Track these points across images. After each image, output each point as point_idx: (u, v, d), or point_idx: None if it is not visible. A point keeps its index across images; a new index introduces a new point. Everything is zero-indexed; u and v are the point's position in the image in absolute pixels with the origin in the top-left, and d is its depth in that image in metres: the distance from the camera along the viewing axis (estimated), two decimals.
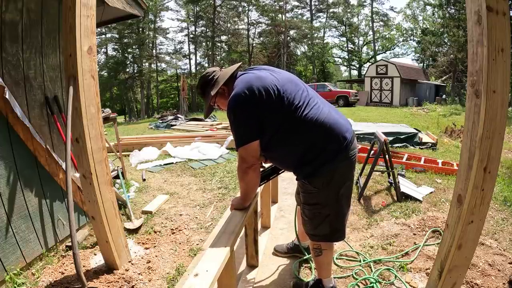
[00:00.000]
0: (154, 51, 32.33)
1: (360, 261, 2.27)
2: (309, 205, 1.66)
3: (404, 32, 34.57)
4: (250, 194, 1.68)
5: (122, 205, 3.25)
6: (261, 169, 1.93)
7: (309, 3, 34.86)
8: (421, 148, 6.20)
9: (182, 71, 34.64)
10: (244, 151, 1.51)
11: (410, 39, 34.27)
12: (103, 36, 30.46)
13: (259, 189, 2.23)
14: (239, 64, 1.82)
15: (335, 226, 1.67)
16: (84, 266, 2.24)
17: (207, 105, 1.72)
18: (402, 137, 6.43)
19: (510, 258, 2.24)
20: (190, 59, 35.42)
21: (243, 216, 1.63)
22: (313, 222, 1.67)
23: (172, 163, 5.38)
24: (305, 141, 1.53)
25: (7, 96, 2.08)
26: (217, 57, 34.82)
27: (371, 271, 2.15)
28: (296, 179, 1.70)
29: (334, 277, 1.98)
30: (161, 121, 12.56)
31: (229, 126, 1.57)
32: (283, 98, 1.49)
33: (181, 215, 3.26)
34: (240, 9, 34.16)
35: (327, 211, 1.62)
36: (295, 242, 2.33)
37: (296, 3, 34.93)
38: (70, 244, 2.50)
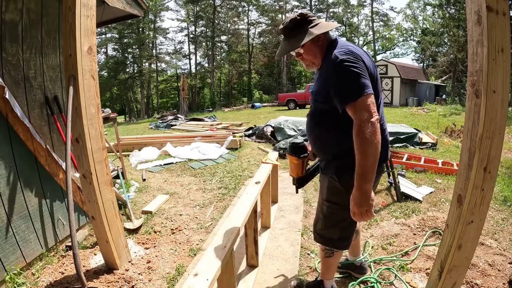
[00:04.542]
0: (154, 51, 32.33)
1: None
2: (330, 203, 1.59)
3: (404, 32, 34.63)
4: (376, 161, 1.31)
5: (122, 205, 3.25)
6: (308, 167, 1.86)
7: (309, 3, 34.86)
8: (421, 148, 6.19)
9: (182, 71, 34.72)
10: (366, 100, 1.30)
11: (410, 39, 34.34)
12: (103, 36, 30.46)
13: (259, 188, 2.23)
14: (338, 25, 1.75)
15: (345, 233, 1.62)
16: (84, 266, 2.24)
17: (293, 44, 1.49)
18: (402, 137, 6.43)
19: (510, 258, 2.24)
20: (190, 59, 35.45)
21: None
22: (327, 222, 1.62)
23: (172, 163, 5.38)
24: None
25: (7, 96, 2.08)
26: (217, 57, 34.83)
27: (371, 271, 2.15)
28: (323, 172, 1.61)
29: (335, 277, 1.98)
30: (161, 121, 12.58)
31: (336, 80, 1.37)
32: (373, 84, 1.40)
33: (181, 215, 3.26)
34: (240, 9, 34.17)
35: (344, 215, 1.50)
36: (348, 257, 2.15)
37: (296, 3, 34.98)
38: (70, 244, 2.50)
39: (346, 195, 1.45)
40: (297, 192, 1.96)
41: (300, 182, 1.88)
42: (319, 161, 1.71)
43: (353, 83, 1.32)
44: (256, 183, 2.31)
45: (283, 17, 34.09)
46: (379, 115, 1.39)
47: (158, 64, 32.81)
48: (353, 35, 36.05)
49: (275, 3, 34.05)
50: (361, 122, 1.29)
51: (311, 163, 1.93)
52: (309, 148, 1.86)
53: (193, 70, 35.14)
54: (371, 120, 1.28)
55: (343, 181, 1.50)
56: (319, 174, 1.76)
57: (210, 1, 32.03)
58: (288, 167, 1.93)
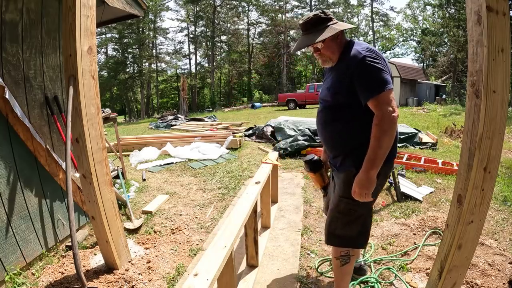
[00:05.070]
0: (154, 51, 32.32)
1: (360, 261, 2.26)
2: (347, 198, 1.55)
3: (404, 32, 34.63)
4: (386, 152, 1.44)
5: (122, 205, 3.25)
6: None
7: (309, 3, 34.85)
8: (421, 148, 6.19)
9: (182, 71, 34.73)
10: (388, 95, 1.39)
11: (410, 39, 34.33)
12: (103, 36, 30.46)
13: (259, 188, 2.23)
14: (353, 26, 1.82)
15: (365, 228, 1.61)
16: (84, 266, 2.24)
17: (312, 38, 1.53)
18: (402, 137, 6.43)
19: (510, 258, 2.24)
20: (190, 59, 35.45)
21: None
22: (345, 219, 1.60)
23: (172, 163, 5.38)
24: None
25: (7, 96, 2.08)
26: (217, 57, 34.83)
27: (371, 271, 2.15)
28: (338, 169, 1.61)
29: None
30: (161, 121, 12.58)
31: (360, 74, 1.43)
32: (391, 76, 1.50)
33: (181, 215, 3.26)
34: (240, 9, 34.18)
35: (362, 210, 1.56)
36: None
37: (296, 3, 34.98)
38: (70, 244, 2.50)
39: None
40: (325, 194, 1.98)
41: (326, 189, 1.95)
42: (333, 159, 1.70)
43: (377, 77, 1.40)
44: (256, 183, 2.31)
45: (283, 17, 34.11)
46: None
47: (158, 64, 32.82)
48: (353, 35, 36.01)
49: (275, 3, 34.06)
50: (384, 114, 1.38)
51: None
52: (322, 156, 1.93)
53: (193, 70, 35.16)
54: (393, 114, 1.38)
55: None
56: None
57: (210, 1, 32.03)
58: (311, 179, 2.02)
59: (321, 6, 34.98)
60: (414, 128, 7.13)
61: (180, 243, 2.68)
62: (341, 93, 1.52)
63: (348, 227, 1.59)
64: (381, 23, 35.39)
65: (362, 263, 2.12)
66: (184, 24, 33.92)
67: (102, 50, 31.36)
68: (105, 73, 30.33)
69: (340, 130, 1.58)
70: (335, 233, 1.63)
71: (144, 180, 4.44)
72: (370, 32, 35.73)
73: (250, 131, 8.02)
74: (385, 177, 1.62)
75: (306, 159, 1.90)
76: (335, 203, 1.65)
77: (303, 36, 1.60)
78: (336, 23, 1.55)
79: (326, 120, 1.64)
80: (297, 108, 19.36)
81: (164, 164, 5.31)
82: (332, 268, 1.82)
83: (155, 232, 2.89)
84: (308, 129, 6.11)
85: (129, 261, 2.33)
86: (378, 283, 2.00)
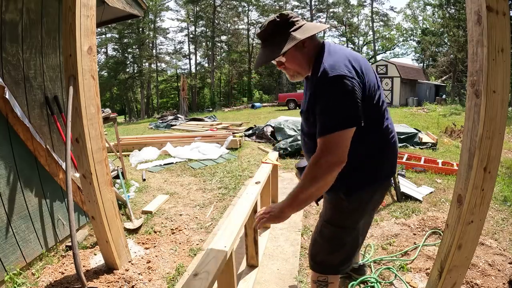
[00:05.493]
0: (154, 51, 32.33)
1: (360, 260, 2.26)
2: (333, 226, 1.39)
3: (404, 32, 34.64)
4: (309, 201, 1.26)
5: (122, 205, 3.25)
6: None
7: (309, 3, 34.87)
8: (421, 148, 6.20)
9: (182, 71, 34.73)
10: (338, 139, 1.13)
11: (410, 39, 34.34)
12: (103, 36, 30.47)
13: (259, 188, 2.23)
14: (328, 26, 1.54)
15: (347, 256, 1.43)
16: (84, 266, 2.24)
17: (273, 52, 1.25)
18: (402, 137, 6.43)
19: (510, 258, 2.24)
20: (190, 59, 35.45)
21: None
22: (329, 246, 1.41)
23: (172, 163, 5.38)
24: (374, 145, 1.31)
25: (7, 96, 2.08)
26: (217, 57, 34.82)
27: (371, 271, 2.15)
28: (329, 192, 1.30)
29: None
30: (161, 121, 12.58)
31: (315, 102, 1.18)
32: (375, 91, 1.27)
33: (181, 215, 3.26)
34: (240, 9, 34.18)
35: (348, 237, 1.39)
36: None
37: (296, 3, 34.99)
38: (70, 244, 2.50)
39: (352, 215, 1.35)
40: (317, 204, 1.89)
41: (319, 199, 1.83)
42: None
43: (333, 114, 1.14)
44: (256, 183, 2.31)
45: None
46: (386, 122, 1.34)
47: (158, 64, 32.83)
48: (353, 35, 36.05)
49: (275, 3, 34.07)
50: (319, 160, 1.15)
51: None
52: None
53: (193, 70, 35.16)
54: (334, 161, 1.13)
55: (351, 200, 1.33)
56: None
57: (210, 1, 32.04)
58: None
59: (320, 6, 35.01)
60: (414, 128, 7.13)
61: (180, 243, 2.68)
62: (313, 121, 1.25)
63: (331, 255, 1.42)
64: (381, 23, 35.40)
65: (361, 263, 2.11)
66: (184, 24, 33.95)
67: (102, 50, 31.38)
68: (105, 73, 30.34)
69: None
70: (315, 259, 1.47)
71: (144, 180, 4.44)
72: (370, 32, 35.76)
73: (250, 131, 8.03)
74: (381, 197, 1.43)
75: (298, 165, 1.79)
76: (318, 227, 1.47)
77: (262, 48, 1.32)
78: (301, 27, 1.26)
79: (309, 146, 1.38)
80: (297, 108, 19.35)
81: (164, 164, 5.31)
82: None
83: (155, 232, 2.89)
84: None
85: (129, 261, 2.33)
86: (378, 283, 2.00)
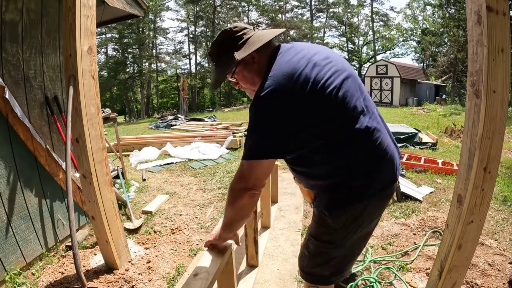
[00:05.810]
0: (154, 51, 32.31)
1: (360, 261, 2.27)
2: (318, 241, 1.26)
3: (404, 32, 34.63)
4: (237, 225, 1.23)
5: (122, 205, 3.25)
6: None
7: (309, 3, 34.87)
8: (421, 148, 6.20)
9: (182, 71, 34.69)
10: (249, 167, 1.08)
11: (410, 39, 34.33)
12: (103, 36, 30.45)
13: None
14: (283, 29, 1.31)
15: (339, 269, 1.31)
16: (84, 266, 2.24)
17: (221, 73, 1.19)
18: (402, 137, 6.43)
19: (510, 258, 2.24)
20: (190, 59, 35.41)
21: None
22: (315, 260, 1.30)
23: (172, 163, 5.39)
24: (355, 157, 1.12)
25: (7, 96, 2.08)
26: None
27: (371, 271, 2.15)
28: (315, 201, 1.28)
29: None
30: (161, 121, 12.58)
31: (248, 124, 1.09)
32: (340, 101, 1.06)
33: (181, 215, 3.26)
34: (240, 9, 34.19)
35: (336, 252, 1.25)
36: None
37: (296, 3, 34.98)
38: (70, 244, 2.50)
39: (340, 231, 1.20)
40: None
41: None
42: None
43: (252, 138, 1.07)
44: None
45: (283, 17, 34.12)
46: (367, 127, 1.10)
47: (158, 64, 32.80)
48: (353, 35, 36.04)
49: (275, 3, 34.06)
50: (234, 181, 1.11)
51: None
52: None
53: (193, 70, 35.12)
54: (241, 187, 1.09)
55: (334, 217, 1.18)
56: None
57: (210, 1, 32.03)
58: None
59: (320, 6, 35.02)
60: (414, 128, 7.14)
61: (180, 243, 2.68)
62: None
63: (319, 267, 1.31)
64: (381, 23, 35.38)
65: (353, 273, 2.03)
66: (184, 24, 33.93)
67: (102, 50, 31.36)
68: (105, 73, 30.32)
69: (305, 176, 1.26)
70: (304, 270, 1.37)
71: (144, 180, 4.44)
72: (370, 32, 35.74)
73: None
74: (378, 209, 1.24)
75: None
76: (305, 240, 1.36)
77: (213, 69, 1.25)
78: (246, 41, 1.15)
79: (288, 165, 1.30)
80: None
81: (164, 164, 5.31)
82: None
83: (155, 232, 2.89)
84: None
85: (129, 261, 2.33)
86: (377, 283, 2.00)
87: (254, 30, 1.20)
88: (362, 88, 1.17)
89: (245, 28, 1.19)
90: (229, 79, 1.22)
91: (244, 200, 1.11)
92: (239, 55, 1.13)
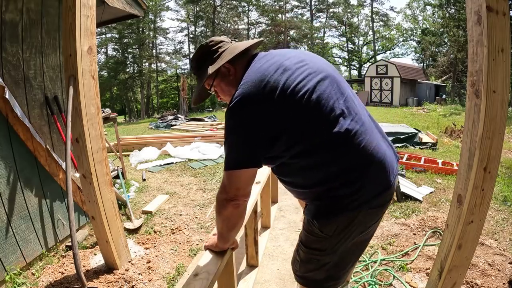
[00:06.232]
0: (154, 51, 32.31)
1: (361, 261, 2.27)
2: (308, 248, 1.23)
3: (404, 32, 34.62)
4: (228, 235, 1.22)
5: (122, 205, 3.25)
6: None
7: (309, 3, 34.86)
8: (421, 148, 6.20)
9: (182, 71, 34.64)
10: (230, 178, 1.04)
11: (410, 39, 34.32)
12: (103, 36, 30.44)
13: (259, 188, 2.23)
14: (260, 39, 1.28)
15: (333, 274, 1.25)
16: (84, 266, 2.24)
17: (199, 87, 1.21)
18: (402, 137, 6.43)
19: (510, 258, 2.24)
20: (190, 59, 35.38)
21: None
22: (307, 266, 1.28)
23: (172, 163, 5.39)
24: (331, 168, 1.06)
25: (7, 96, 2.08)
26: None
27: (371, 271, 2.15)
28: (306, 208, 1.23)
29: None
30: (161, 121, 12.57)
31: (224, 133, 1.06)
32: (315, 105, 1.02)
33: (181, 215, 3.26)
34: (240, 9, 34.18)
35: (327, 259, 1.21)
36: None
37: (296, 3, 34.97)
38: (70, 244, 2.50)
39: (328, 240, 1.16)
40: None
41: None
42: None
43: (229, 149, 1.04)
44: (256, 183, 2.31)
45: (283, 17, 34.11)
46: (353, 131, 1.05)
47: (158, 64, 32.81)
48: (353, 35, 36.03)
49: (275, 3, 34.05)
50: (218, 193, 1.09)
51: None
52: None
53: None
54: (224, 198, 1.07)
55: (322, 226, 1.14)
56: None
57: (210, 1, 32.03)
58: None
59: (320, 6, 35.02)
60: (414, 128, 7.14)
61: (180, 243, 2.68)
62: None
63: (311, 272, 1.28)
64: (381, 23, 35.37)
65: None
66: (184, 24, 33.93)
67: (102, 50, 31.35)
68: (105, 73, 30.32)
69: (292, 185, 1.22)
70: (297, 273, 1.35)
71: (144, 180, 4.44)
72: (370, 32, 35.73)
73: None
74: (375, 216, 1.19)
75: None
76: (297, 245, 1.33)
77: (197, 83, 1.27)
78: (220, 54, 1.16)
79: (275, 175, 1.28)
80: None
81: (164, 164, 5.31)
82: None
83: (155, 232, 2.89)
84: None
85: (129, 261, 2.33)
86: (377, 284, 2.00)
87: (231, 42, 1.21)
88: (343, 89, 1.11)
89: (221, 42, 1.20)
90: (209, 92, 1.25)
91: (228, 211, 1.09)
92: (212, 68, 1.13)
